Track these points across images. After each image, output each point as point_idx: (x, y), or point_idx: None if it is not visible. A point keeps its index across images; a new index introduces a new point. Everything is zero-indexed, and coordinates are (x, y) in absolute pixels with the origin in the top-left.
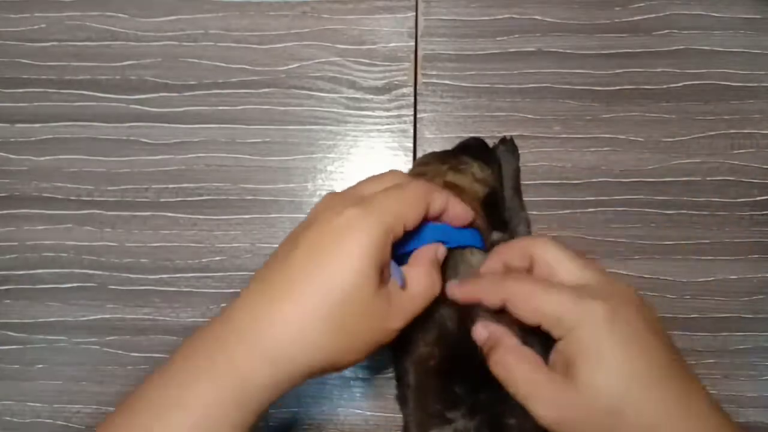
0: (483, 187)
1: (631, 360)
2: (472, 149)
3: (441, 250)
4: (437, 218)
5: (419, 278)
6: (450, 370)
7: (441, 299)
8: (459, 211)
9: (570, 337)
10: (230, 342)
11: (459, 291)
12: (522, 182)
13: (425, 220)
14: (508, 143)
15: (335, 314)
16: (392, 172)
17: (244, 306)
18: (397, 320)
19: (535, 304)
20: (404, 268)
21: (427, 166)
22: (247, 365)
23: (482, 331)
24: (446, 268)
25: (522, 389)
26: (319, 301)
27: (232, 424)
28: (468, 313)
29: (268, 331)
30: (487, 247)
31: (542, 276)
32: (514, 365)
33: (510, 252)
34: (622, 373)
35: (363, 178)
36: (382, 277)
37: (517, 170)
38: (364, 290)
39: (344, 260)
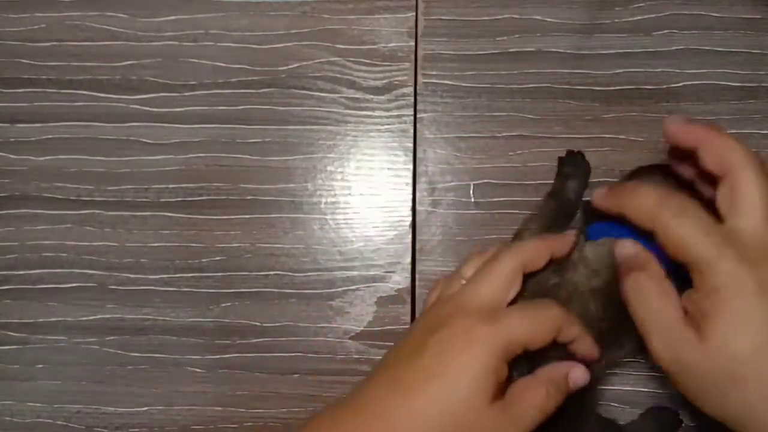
0: None
1: None
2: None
3: (575, 374)
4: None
5: (534, 393)
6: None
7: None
8: (585, 349)
9: (714, 296)
10: None
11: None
12: (523, 182)
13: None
14: (577, 156)
15: (453, 418)
16: (504, 253)
17: (371, 400)
18: (510, 429)
19: (685, 239)
20: (526, 380)
21: None
22: None
23: (629, 246)
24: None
25: (650, 320)
26: (439, 404)
27: None
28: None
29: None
30: None
31: (725, 199)
32: (652, 293)
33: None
34: (756, 342)
35: (362, 178)
36: (499, 391)
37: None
38: (479, 401)
39: (468, 371)
